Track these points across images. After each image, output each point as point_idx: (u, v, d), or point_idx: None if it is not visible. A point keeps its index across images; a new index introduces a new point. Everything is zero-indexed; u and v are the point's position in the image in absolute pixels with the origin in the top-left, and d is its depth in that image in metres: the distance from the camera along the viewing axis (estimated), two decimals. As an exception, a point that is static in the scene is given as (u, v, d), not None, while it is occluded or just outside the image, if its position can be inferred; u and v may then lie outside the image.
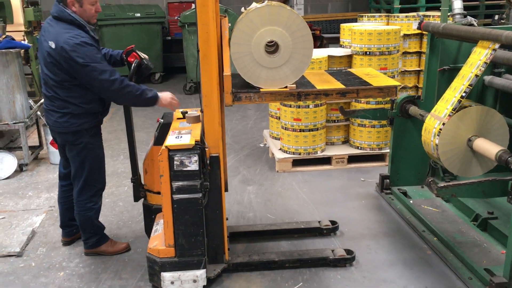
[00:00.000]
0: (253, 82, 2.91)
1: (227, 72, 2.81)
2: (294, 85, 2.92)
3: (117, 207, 4.31)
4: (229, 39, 2.91)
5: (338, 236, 3.71)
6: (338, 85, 2.99)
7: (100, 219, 3.52)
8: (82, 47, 2.97)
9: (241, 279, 3.17)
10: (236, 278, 3.18)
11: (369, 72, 3.40)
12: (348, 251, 3.33)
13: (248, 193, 4.51)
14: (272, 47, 2.90)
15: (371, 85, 2.98)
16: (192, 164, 2.87)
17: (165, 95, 3.26)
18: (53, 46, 2.99)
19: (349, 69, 3.48)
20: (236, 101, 2.88)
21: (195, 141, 2.88)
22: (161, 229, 3.11)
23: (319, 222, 3.75)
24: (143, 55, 3.36)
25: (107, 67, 3.06)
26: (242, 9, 3.14)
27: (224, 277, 3.18)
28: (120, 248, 3.54)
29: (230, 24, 3.39)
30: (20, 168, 5.20)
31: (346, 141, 5.36)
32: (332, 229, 3.70)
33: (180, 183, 2.89)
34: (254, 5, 3.22)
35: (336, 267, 3.26)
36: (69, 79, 3.07)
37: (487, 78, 3.72)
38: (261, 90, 2.89)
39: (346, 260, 3.28)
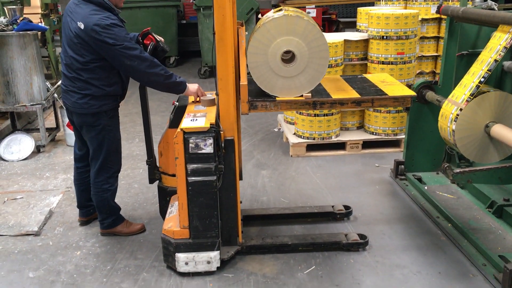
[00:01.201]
0: (269, 91, 2.95)
1: (243, 81, 2.86)
2: (310, 94, 2.96)
3: (133, 189, 4.36)
4: (246, 48, 2.95)
5: (351, 221, 3.71)
6: (353, 94, 3.02)
7: (116, 200, 3.57)
8: (113, 28, 3.00)
9: (254, 261, 3.20)
10: (249, 261, 3.21)
11: (385, 78, 3.39)
12: (361, 236, 3.34)
13: (262, 177, 4.52)
14: (288, 56, 2.92)
15: (386, 94, 2.99)
16: (207, 147, 2.88)
17: (192, 85, 3.27)
18: (82, 27, 3.01)
19: (364, 75, 3.51)
20: (252, 109, 2.95)
21: (210, 124, 2.89)
22: (176, 211, 3.15)
23: (332, 206, 3.76)
24: (159, 38, 3.37)
25: (137, 46, 3.09)
26: (260, 16, 3.14)
27: (238, 259, 3.21)
28: (136, 229, 3.59)
29: (247, 33, 3.40)
30: (38, 150, 5.27)
31: (361, 127, 5.34)
32: (345, 214, 3.71)
33: (195, 165, 2.91)
34: (271, 13, 3.23)
35: (349, 251, 3.27)
36: (96, 59, 3.10)
37: (507, 63, 3.65)
38: (277, 98, 2.95)
39: (359, 245, 3.29)
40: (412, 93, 3.04)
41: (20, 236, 3.59)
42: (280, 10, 3.13)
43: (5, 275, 3.14)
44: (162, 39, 3.40)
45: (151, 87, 3.23)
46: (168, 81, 3.13)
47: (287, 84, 2.92)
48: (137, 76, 3.14)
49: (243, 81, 2.86)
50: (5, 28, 5.03)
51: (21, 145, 5.16)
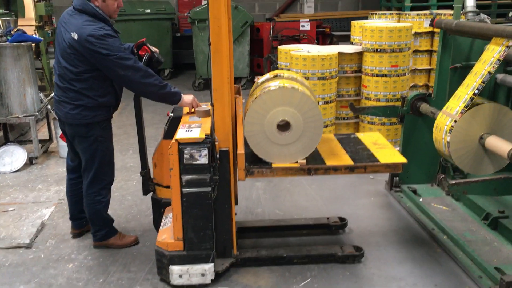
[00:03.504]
0: (265, 157, 3.05)
1: (240, 150, 2.93)
2: (304, 161, 3.03)
3: (126, 201, 4.32)
4: (243, 118, 3.07)
5: (347, 233, 3.69)
6: (347, 160, 3.09)
7: (109, 212, 3.53)
8: (107, 39, 3.00)
9: (249, 273, 3.17)
10: (244, 273, 3.17)
11: (377, 140, 3.49)
12: (357, 248, 3.32)
13: (257, 189, 4.50)
14: (283, 122, 3.02)
15: (379, 161, 3.08)
16: (202, 158, 2.87)
17: (187, 96, 3.27)
18: (75, 37, 3.01)
19: (357, 134, 3.62)
20: (249, 175, 3.01)
21: (205, 135, 2.87)
22: (170, 222, 3.12)
23: (327, 218, 3.74)
24: (154, 49, 3.36)
25: (131, 56, 3.09)
26: (256, 79, 3.28)
27: (232, 272, 3.18)
28: (129, 241, 3.55)
29: (244, 100, 3.56)
30: (30, 161, 5.23)
31: (356, 139, 5.33)
32: (340, 226, 3.69)
33: (190, 176, 2.89)
34: (266, 76, 3.31)
35: (345, 264, 3.25)
36: (89, 70, 3.09)
37: (500, 76, 3.68)
38: (272, 165, 3.02)
39: (354, 257, 3.27)
40: (403, 160, 3.11)
41: (11, 249, 3.54)
42: (276, 76, 3.22)
43: (-5, 288, 3.09)
44: (157, 50, 3.40)
45: (146, 97, 3.22)
46: (163, 91, 3.12)
47: (283, 151, 3.02)
48: (132, 87, 3.13)
49: (240, 149, 2.94)
50: (-1, 40, 5.02)
51: (13, 156, 5.12)
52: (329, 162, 3.06)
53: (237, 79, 8.82)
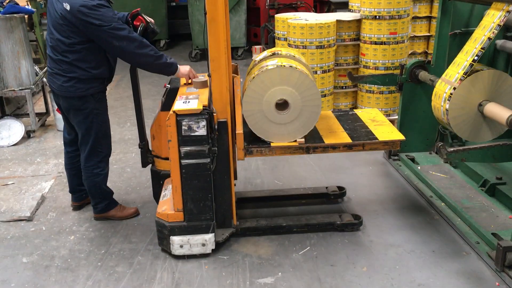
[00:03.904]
0: (264, 137, 3.04)
1: (239, 130, 2.93)
2: (303, 139, 3.03)
3: (125, 173, 4.33)
4: (242, 97, 3.05)
5: (346, 202, 3.72)
6: (345, 138, 3.12)
7: (109, 184, 3.54)
8: (99, 9, 2.94)
9: (249, 243, 3.20)
10: (244, 242, 3.21)
11: (375, 116, 3.50)
12: (356, 216, 3.35)
13: (256, 160, 4.51)
14: (281, 101, 3.00)
15: (377, 138, 3.09)
16: (200, 129, 2.86)
17: (184, 67, 3.23)
18: (68, 8, 2.95)
19: (355, 111, 3.63)
20: (248, 154, 3.02)
21: (203, 106, 2.86)
22: (170, 194, 3.13)
23: (326, 188, 3.76)
24: (149, 19, 3.31)
25: (125, 26, 3.04)
26: (253, 50, 3.21)
27: (233, 241, 3.21)
28: (129, 213, 3.58)
29: (242, 80, 3.52)
30: (28, 135, 5.21)
31: (354, 107, 5.32)
32: (339, 195, 3.71)
33: (188, 148, 2.88)
34: (264, 54, 3.25)
35: (344, 232, 3.28)
36: (82, 41, 3.04)
37: (499, 42, 3.64)
38: (271, 144, 3.04)
39: (353, 225, 3.30)
40: (401, 137, 3.14)
41: (13, 222, 3.56)
42: (273, 54, 3.17)
43: (-2, 261, 3.13)
44: (152, 20, 3.34)
45: (141, 68, 3.18)
46: (159, 62, 3.08)
47: (281, 130, 3.02)
48: (126, 57, 3.08)
49: (239, 129, 2.93)
50: (-9, 12, 4.93)
51: (10, 130, 5.10)
52: (328, 140, 3.08)
53: (234, 49, 8.73)
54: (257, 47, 8.34)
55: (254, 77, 2.96)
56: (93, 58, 3.11)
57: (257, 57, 3.44)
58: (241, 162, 4.42)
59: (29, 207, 3.72)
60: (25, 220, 3.58)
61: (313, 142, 3.06)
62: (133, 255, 3.13)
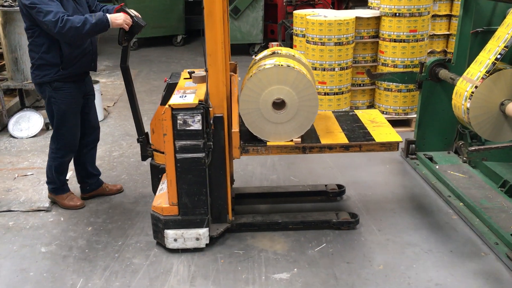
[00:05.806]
0: (260, 136, 3.04)
1: (235, 128, 2.92)
2: (299, 139, 3.03)
3: (142, 166, 4.35)
4: (239, 95, 3.04)
5: (361, 200, 3.70)
6: (342, 138, 3.11)
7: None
8: None
9: (265, 238, 3.20)
10: (260, 238, 3.21)
11: (375, 117, 3.47)
12: (352, 215, 3.32)
13: (272, 156, 4.49)
14: (279, 100, 2.99)
15: (374, 140, 3.07)
16: (196, 124, 2.86)
17: (115, 16, 3.11)
18: None
19: (356, 112, 3.60)
20: (244, 153, 3.02)
21: (199, 101, 2.87)
22: (166, 187, 3.14)
23: (325, 186, 3.73)
24: (134, 13, 3.22)
25: (54, 8, 2.98)
26: (253, 57, 3.21)
27: (249, 236, 3.22)
28: (74, 204, 3.62)
29: (240, 78, 3.51)
30: (47, 127, 5.27)
31: (371, 106, 5.29)
32: (338, 193, 3.68)
33: (183, 142, 2.89)
34: (264, 53, 3.23)
35: (360, 230, 3.27)
36: (31, 25, 3.14)
37: (523, 41, 3.58)
38: (267, 143, 3.03)
39: (349, 223, 3.27)
40: (398, 138, 3.10)
41: (32, 212, 3.61)
42: (273, 53, 3.16)
43: (17, 249, 3.17)
44: (138, 14, 3.25)
45: (80, 42, 3.20)
46: (87, 29, 3.00)
47: (278, 129, 3.01)
48: (59, 38, 3.09)
49: (235, 128, 2.92)
50: (12, 4, 4.98)
51: (30, 122, 5.16)
52: (324, 141, 3.07)
53: (250, 45, 8.72)
54: (274, 43, 8.33)
55: (251, 76, 2.96)
56: (42, 42, 3.17)
57: (257, 56, 3.44)
58: (257, 158, 4.42)
59: (48, 197, 3.76)
60: (44, 210, 3.62)
61: (310, 142, 3.05)
62: (150, 247, 3.16)
